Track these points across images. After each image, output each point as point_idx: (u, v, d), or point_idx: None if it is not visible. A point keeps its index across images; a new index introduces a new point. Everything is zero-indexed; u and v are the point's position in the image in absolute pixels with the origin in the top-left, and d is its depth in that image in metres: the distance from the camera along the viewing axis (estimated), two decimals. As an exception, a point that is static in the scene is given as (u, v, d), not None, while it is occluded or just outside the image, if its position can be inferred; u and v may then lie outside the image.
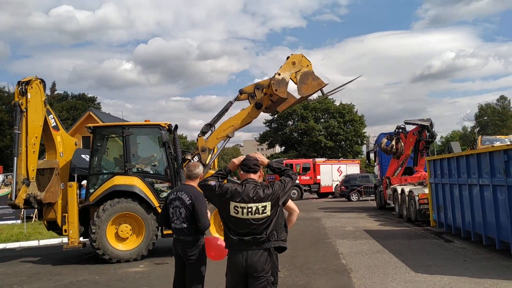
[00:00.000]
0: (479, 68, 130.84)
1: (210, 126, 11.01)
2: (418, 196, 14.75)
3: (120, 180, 10.08)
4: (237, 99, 11.14)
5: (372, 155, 25.24)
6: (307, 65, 10.67)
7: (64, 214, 10.06)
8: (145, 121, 11.07)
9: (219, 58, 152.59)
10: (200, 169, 5.13)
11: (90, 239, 9.80)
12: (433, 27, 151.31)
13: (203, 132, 10.97)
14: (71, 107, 58.90)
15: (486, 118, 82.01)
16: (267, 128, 62.01)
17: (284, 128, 60.74)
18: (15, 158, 9.54)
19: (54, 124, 10.60)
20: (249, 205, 3.81)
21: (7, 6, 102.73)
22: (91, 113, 33.02)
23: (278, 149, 70.03)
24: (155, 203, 10.06)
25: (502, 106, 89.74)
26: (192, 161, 10.53)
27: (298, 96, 11.09)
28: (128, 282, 8.03)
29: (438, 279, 7.43)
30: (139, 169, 10.72)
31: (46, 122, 10.33)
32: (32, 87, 9.87)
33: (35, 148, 9.87)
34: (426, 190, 14.13)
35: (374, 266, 8.63)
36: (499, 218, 8.99)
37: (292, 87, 10.96)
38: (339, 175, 34.31)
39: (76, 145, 11.35)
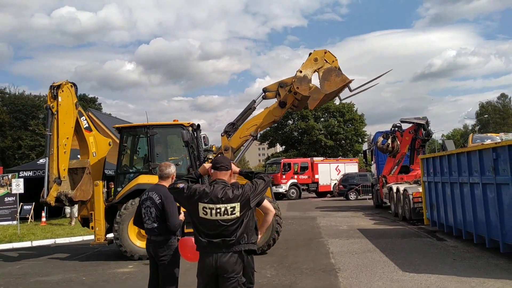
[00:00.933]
0: (480, 66, 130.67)
1: (233, 125, 10.99)
2: (412, 194, 14.70)
3: (144, 179, 10.15)
4: (264, 97, 11.00)
5: (368, 154, 25.18)
6: (333, 61, 10.38)
7: (91, 212, 10.34)
8: (174, 120, 11.17)
9: (221, 58, 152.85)
10: (171, 169, 5.09)
11: (114, 236, 10.03)
12: (434, 26, 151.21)
13: (226, 132, 10.96)
14: (72, 108, 58.82)
15: (486, 116, 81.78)
16: (267, 128, 61.91)
17: (284, 127, 60.67)
18: (47, 158, 9.98)
19: (87, 125, 10.99)
20: (218, 206, 3.77)
21: (10, 8, 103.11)
22: (90, 113, 32.92)
23: (278, 148, 69.97)
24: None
25: (502, 104, 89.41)
26: None
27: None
28: (114, 283, 8.01)
29: (424, 278, 7.39)
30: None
31: (78, 124, 10.72)
32: (63, 91, 10.25)
33: (66, 148, 10.23)
34: (421, 189, 14.08)
35: (362, 265, 8.59)
36: (489, 216, 8.94)
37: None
38: (338, 174, 34.24)
39: (110, 145, 11.55)
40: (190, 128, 10.66)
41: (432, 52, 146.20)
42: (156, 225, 4.82)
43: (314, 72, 10.37)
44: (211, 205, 3.77)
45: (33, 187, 18.73)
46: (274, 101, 11.08)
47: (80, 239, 13.96)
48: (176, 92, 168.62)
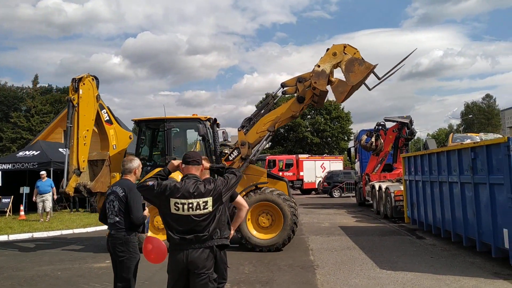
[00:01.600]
0: (467, 67, 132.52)
1: (250, 120, 10.94)
2: (394, 193, 14.82)
3: None
4: (284, 93, 10.88)
5: (353, 152, 25.30)
6: (354, 53, 10.12)
7: None
8: (193, 115, 11.17)
9: (209, 53, 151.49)
10: (133, 164, 4.96)
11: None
12: (422, 26, 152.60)
13: (243, 126, 10.91)
14: (56, 101, 58.18)
15: (471, 116, 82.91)
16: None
17: (270, 124, 60.60)
18: (67, 149, 10.07)
19: (107, 118, 11.14)
20: (190, 200, 3.74)
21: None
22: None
23: (265, 144, 69.86)
24: None
25: (487, 105, 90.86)
26: (232, 155, 10.64)
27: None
28: (90, 278, 7.88)
29: (401, 276, 7.44)
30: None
31: (99, 116, 10.89)
32: (84, 84, 10.38)
33: (86, 140, 10.39)
34: (402, 187, 14.17)
35: (341, 263, 8.62)
36: (466, 215, 9.04)
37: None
38: (323, 171, 34.34)
39: (130, 138, 11.65)
40: (208, 123, 10.67)
41: (420, 51, 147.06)
42: (118, 219, 4.69)
43: (335, 67, 10.15)
44: (183, 200, 3.73)
45: (12, 180, 18.50)
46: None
47: (59, 233, 13.76)
48: (163, 86, 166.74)
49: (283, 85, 10.77)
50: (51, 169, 18.18)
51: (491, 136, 13.01)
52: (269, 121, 10.66)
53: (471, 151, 8.53)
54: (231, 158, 10.55)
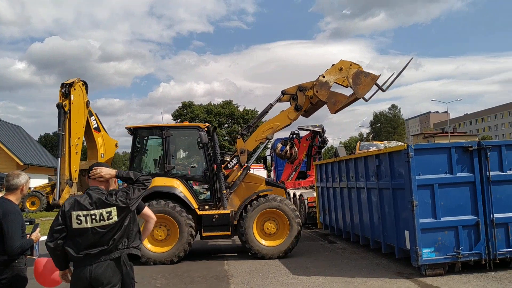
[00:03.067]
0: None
1: (249, 128, 10.95)
2: (307, 199, 15.24)
3: (160, 182, 9.84)
4: (278, 100, 10.83)
5: (268, 160, 25.74)
6: (357, 69, 10.35)
7: None
8: (184, 122, 10.55)
9: (123, 60, 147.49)
10: (20, 179, 4.32)
11: None
12: (334, 39, 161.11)
13: (242, 134, 10.95)
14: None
15: (379, 125, 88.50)
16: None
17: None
18: (59, 159, 9.61)
19: (96, 125, 10.75)
20: (92, 212, 3.58)
21: None
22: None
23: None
24: (194, 205, 9.93)
25: (393, 114, 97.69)
26: (231, 163, 10.39)
27: (348, 94, 10.62)
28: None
29: (313, 280, 7.63)
30: (179, 170, 10.48)
31: (87, 124, 10.44)
32: (75, 89, 9.87)
33: (78, 149, 9.94)
34: (315, 194, 14.62)
35: (255, 271, 8.64)
36: (372, 219, 9.50)
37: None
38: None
39: (116, 146, 11.36)
40: (205, 130, 10.38)
41: (332, 63, 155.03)
42: None
43: (335, 81, 10.40)
44: (84, 212, 3.58)
45: None
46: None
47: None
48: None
49: (283, 92, 10.91)
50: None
51: (394, 144, 13.91)
52: (268, 128, 10.83)
53: (376, 158, 9.02)
54: (230, 166, 10.53)
